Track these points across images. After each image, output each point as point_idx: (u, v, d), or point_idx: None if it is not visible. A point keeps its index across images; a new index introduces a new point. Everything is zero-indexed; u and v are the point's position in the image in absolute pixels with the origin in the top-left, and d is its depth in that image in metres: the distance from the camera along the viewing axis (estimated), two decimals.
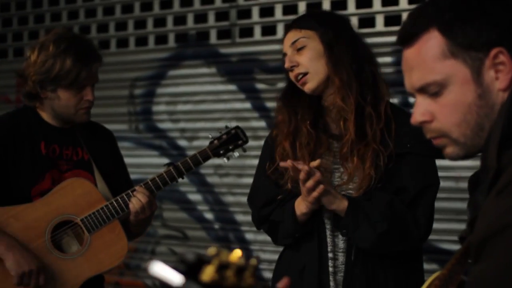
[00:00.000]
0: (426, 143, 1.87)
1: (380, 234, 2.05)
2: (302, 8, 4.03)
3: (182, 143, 4.51)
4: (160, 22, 4.59)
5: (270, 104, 4.07)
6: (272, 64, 4.13)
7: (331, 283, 2.12)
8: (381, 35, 3.76)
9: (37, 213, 2.46)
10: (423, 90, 1.28)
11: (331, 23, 2.19)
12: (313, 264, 2.13)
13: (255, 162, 2.40)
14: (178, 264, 1.00)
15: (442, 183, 2.28)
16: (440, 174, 2.20)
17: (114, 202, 2.49)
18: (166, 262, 1.00)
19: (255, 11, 4.27)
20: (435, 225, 3.48)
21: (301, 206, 2.12)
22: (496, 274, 1.10)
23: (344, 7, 3.93)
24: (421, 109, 1.29)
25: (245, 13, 4.31)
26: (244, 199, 4.27)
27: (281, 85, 2.74)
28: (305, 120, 2.19)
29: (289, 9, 4.10)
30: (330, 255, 2.14)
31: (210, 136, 2.60)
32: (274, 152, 2.25)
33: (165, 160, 4.26)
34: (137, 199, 2.46)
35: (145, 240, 4.55)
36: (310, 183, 2.02)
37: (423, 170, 2.11)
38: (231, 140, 2.57)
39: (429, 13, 1.27)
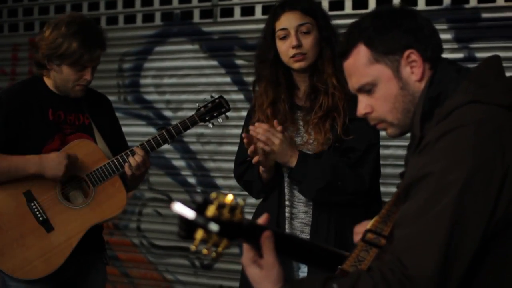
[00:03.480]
0: None
1: (318, 190, 2.39)
2: None
3: (167, 113, 4.69)
4: (147, 1, 4.74)
5: (248, 79, 4.22)
6: (250, 42, 4.30)
7: (287, 226, 2.48)
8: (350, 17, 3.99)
9: None
10: (360, 90, 1.64)
11: (324, 17, 2.51)
12: (273, 210, 2.48)
13: (234, 131, 2.61)
14: (190, 204, 1.37)
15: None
16: None
17: (115, 160, 2.77)
18: (183, 202, 1.35)
19: None
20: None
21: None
22: (415, 210, 1.43)
23: None
24: (363, 104, 1.65)
25: None
26: (224, 165, 4.61)
27: None
28: (282, 100, 2.52)
29: None
30: (287, 203, 2.49)
31: (197, 104, 2.87)
32: (251, 119, 2.59)
33: (152, 129, 4.50)
34: (134, 158, 2.76)
35: (133, 203, 4.73)
36: (250, 149, 2.41)
37: (366, 132, 2.39)
38: (216, 108, 2.85)
39: (356, 32, 1.64)
